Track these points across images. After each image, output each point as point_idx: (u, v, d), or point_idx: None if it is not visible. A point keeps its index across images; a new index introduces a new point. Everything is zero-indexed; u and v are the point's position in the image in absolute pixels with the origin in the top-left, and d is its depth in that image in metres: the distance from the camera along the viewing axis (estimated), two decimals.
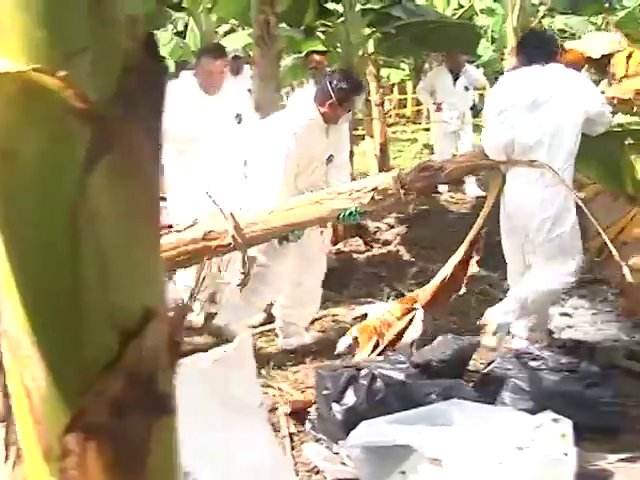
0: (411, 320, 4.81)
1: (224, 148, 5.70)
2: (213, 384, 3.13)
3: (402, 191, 4.96)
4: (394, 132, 18.20)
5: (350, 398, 4.00)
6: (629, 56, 5.78)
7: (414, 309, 4.87)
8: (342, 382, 4.04)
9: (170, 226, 5.06)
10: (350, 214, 4.93)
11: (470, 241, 5.07)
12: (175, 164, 5.69)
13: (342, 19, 7.69)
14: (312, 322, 5.91)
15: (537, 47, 5.28)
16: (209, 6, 7.63)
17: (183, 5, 8.07)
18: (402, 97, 22.54)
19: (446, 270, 5.05)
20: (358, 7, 7.73)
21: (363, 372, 4.05)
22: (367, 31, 7.92)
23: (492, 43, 16.71)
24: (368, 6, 7.89)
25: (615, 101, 5.46)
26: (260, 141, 5.48)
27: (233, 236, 4.81)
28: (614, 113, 5.43)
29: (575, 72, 5.37)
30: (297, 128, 5.20)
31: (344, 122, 5.48)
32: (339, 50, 7.75)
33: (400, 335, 4.77)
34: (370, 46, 10.26)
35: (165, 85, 0.97)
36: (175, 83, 5.64)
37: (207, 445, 3.01)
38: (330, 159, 5.47)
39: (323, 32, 8.22)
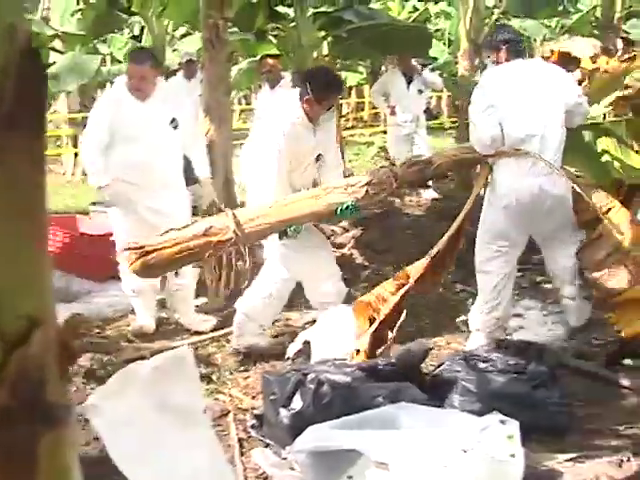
0: (404, 295, 4.92)
1: (157, 153, 5.66)
2: (153, 391, 3.08)
3: (395, 185, 5.22)
4: (352, 135, 18.22)
5: (297, 403, 3.98)
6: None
7: (407, 284, 4.98)
8: (289, 387, 4.02)
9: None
10: (347, 208, 5.07)
11: (459, 222, 5.21)
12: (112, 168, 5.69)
13: (294, 23, 7.68)
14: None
15: (516, 41, 5.53)
16: (160, 10, 7.57)
17: (133, 9, 8.01)
18: (360, 100, 22.59)
19: (436, 248, 5.14)
20: (310, 11, 7.72)
21: (310, 377, 4.03)
22: (319, 34, 7.91)
23: (449, 46, 16.80)
24: (320, 9, 7.87)
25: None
26: (253, 142, 5.70)
27: (234, 231, 4.90)
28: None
29: (554, 66, 5.59)
30: (285, 127, 5.29)
31: (327, 120, 5.49)
32: (291, 54, 7.73)
33: (394, 310, 4.86)
34: (325, 49, 10.30)
35: (45, 93, 0.94)
36: (111, 89, 5.63)
37: (147, 453, 2.98)
38: (319, 158, 5.53)
39: (275, 36, 8.20)
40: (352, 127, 20.68)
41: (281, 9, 7.78)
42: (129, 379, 3.08)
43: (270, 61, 9.75)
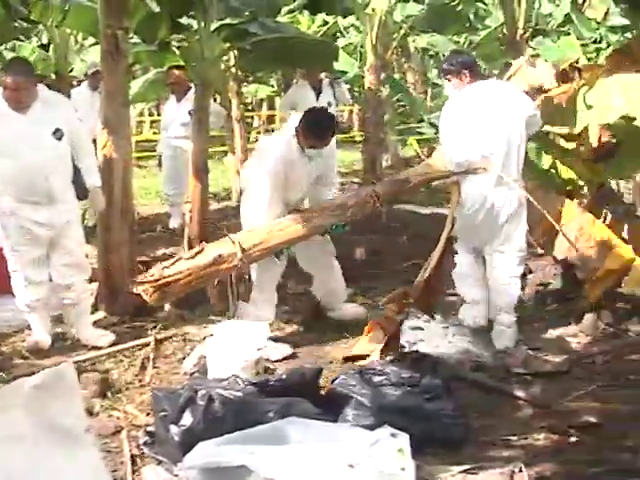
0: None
1: (38, 165, 5.51)
2: (35, 409, 3.00)
3: (377, 203, 5.96)
4: None
5: (187, 419, 3.95)
6: None
7: (408, 303, 5.55)
8: (180, 403, 3.98)
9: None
10: (336, 227, 5.97)
11: (443, 244, 5.74)
12: None
13: (197, 35, 7.60)
14: (161, 341, 5.82)
15: (476, 65, 6.15)
16: (60, 19, 7.41)
17: (33, 18, 7.83)
18: (271, 113, 22.58)
19: (428, 270, 5.63)
20: (215, 23, 7.65)
21: (201, 393, 3.99)
22: (223, 47, 7.84)
23: (360, 60, 16.88)
24: (225, 21, 7.80)
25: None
26: (251, 163, 6.33)
27: (241, 259, 5.56)
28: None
29: (509, 84, 6.23)
30: (281, 152, 5.83)
31: (317, 155, 5.95)
32: (195, 65, 7.65)
33: (399, 325, 5.51)
34: (232, 61, 10.26)
35: None
36: None
37: (29, 473, 2.90)
38: (320, 178, 6.14)
39: (179, 47, 8.11)
40: None
41: (184, 20, 7.68)
42: (13, 396, 3.01)
43: (176, 72, 9.70)
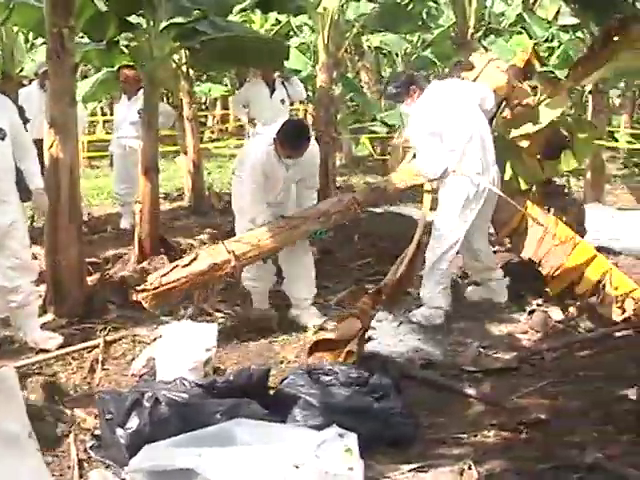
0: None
1: None
2: None
3: (358, 210, 6.44)
4: (216, 147, 18.10)
5: (134, 422, 3.92)
6: None
7: (381, 299, 5.73)
8: (126, 406, 3.94)
9: None
10: (320, 233, 6.41)
11: (414, 247, 6.15)
12: None
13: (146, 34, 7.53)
14: (110, 343, 5.76)
15: (418, 75, 6.80)
16: (4, 17, 7.30)
17: None
18: (225, 112, 22.48)
19: (399, 270, 5.94)
20: (164, 22, 7.59)
21: (147, 395, 3.95)
22: (173, 46, 7.78)
23: (313, 59, 16.82)
24: (174, 20, 7.73)
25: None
26: (237, 165, 6.89)
27: (234, 266, 5.96)
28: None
29: (466, 81, 6.72)
30: (260, 160, 6.10)
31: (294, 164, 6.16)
32: (144, 65, 7.58)
33: (370, 319, 5.64)
34: (183, 61, 10.17)
35: None
36: None
37: None
38: (302, 181, 6.36)
39: (127, 46, 8.04)
40: (217, 139, 20.54)
41: (133, 19, 7.61)
42: None
43: (126, 72, 9.61)
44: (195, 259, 5.91)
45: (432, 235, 6.42)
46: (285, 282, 6.55)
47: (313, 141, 6.34)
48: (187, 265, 5.88)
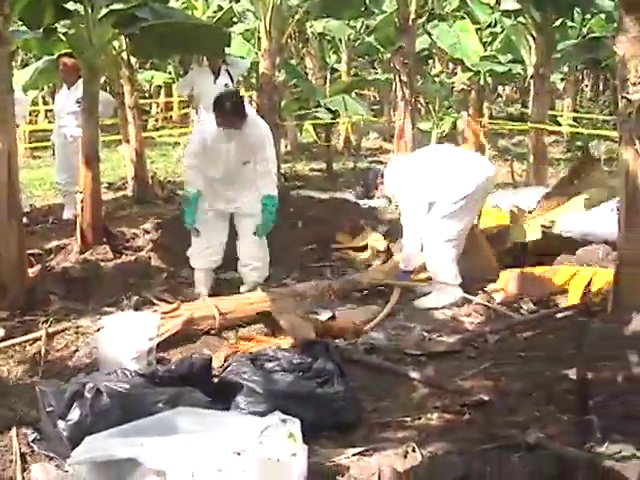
0: None
1: None
2: None
3: (332, 297, 6.59)
4: (160, 136, 17.95)
5: (75, 414, 3.88)
6: None
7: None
8: (66, 398, 3.90)
9: None
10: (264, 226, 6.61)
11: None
12: None
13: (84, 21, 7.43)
14: (53, 335, 5.68)
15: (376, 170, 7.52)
16: None
17: None
18: (168, 100, 22.29)
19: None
20: (103, 8, 7.50)
21: (88, 386, 3.91)
22: (112, 33, 7.68)
23: (257, 46, 16.71)
24: (113, 7, 7.64)
25: None
26: None
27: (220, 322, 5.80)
28: None
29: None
30: (202, 125, 6.85)
31: (252, 132, 6.44)
32: (83, 52, 7.47)
33: None
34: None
35: None
36: None
37: None
38: (246, 164, 6.52)
39: (65, 34, 7.92)
40: (162, 127, 20.37)
41: (71, 6, 7.49)
42: None
43: (65, 60, 9.47)
44: (176, 309, 5.81)
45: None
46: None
47: (257, 119, 6.61)
48: (168, 313, 5.75)
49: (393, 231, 8.21)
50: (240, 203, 6.60)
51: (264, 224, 6.52)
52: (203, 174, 6.51)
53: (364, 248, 8.06)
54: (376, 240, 8.00)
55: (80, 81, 8.57)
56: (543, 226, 7.51)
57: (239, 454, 3.23)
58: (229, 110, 6.26)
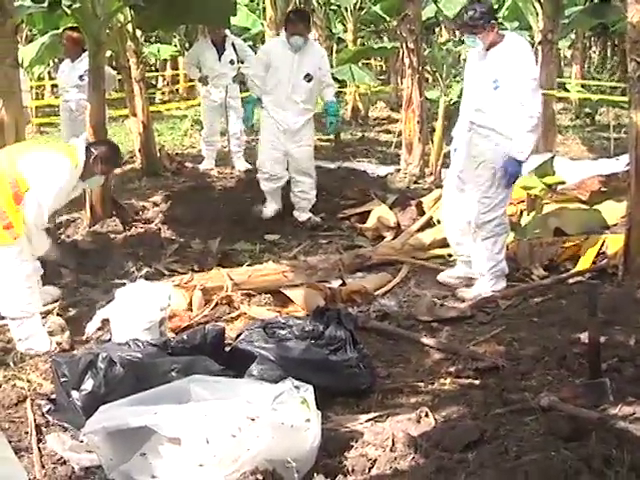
0: None
1: None
2: None
3: (342, 271, 6.46)
4: (167, 109, 17.91)
5: (88, 384, 3.90)
6: None
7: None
8: (80, 368, 3.92)
9: None
10: (331, 123, 8.26)
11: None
12: None
13: None
14: (65, 308, 5.68)
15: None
16: None
17: None
18: (175, 73, 22.22)
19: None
20: None
21: (101, 356, 3.93)
22: (116, 5, 7.64)
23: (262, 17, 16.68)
24: None
25: None
26: None
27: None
28: None
29: None
30: (268, 43, 9.30)
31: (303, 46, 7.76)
32: (88, 25, 7.43)
33: None
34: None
35: None
36: None
37: None
38: (310, 77, 7.83)
39: (70, 6, 7.87)
40: (169, 101, 20.32)
41: None
42: None
43: (69, 33, 9.42)
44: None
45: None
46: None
47: (315, 41, 8.49)
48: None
49: (402, 200, 8.21)
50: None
51: (332, 124, 8.15)
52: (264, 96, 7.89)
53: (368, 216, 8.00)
54: (385, 214, 7.86)
55: (84, 55, 8.55)
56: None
57: (253, 420, 3.25)
58: (298, 17, 7.71)
